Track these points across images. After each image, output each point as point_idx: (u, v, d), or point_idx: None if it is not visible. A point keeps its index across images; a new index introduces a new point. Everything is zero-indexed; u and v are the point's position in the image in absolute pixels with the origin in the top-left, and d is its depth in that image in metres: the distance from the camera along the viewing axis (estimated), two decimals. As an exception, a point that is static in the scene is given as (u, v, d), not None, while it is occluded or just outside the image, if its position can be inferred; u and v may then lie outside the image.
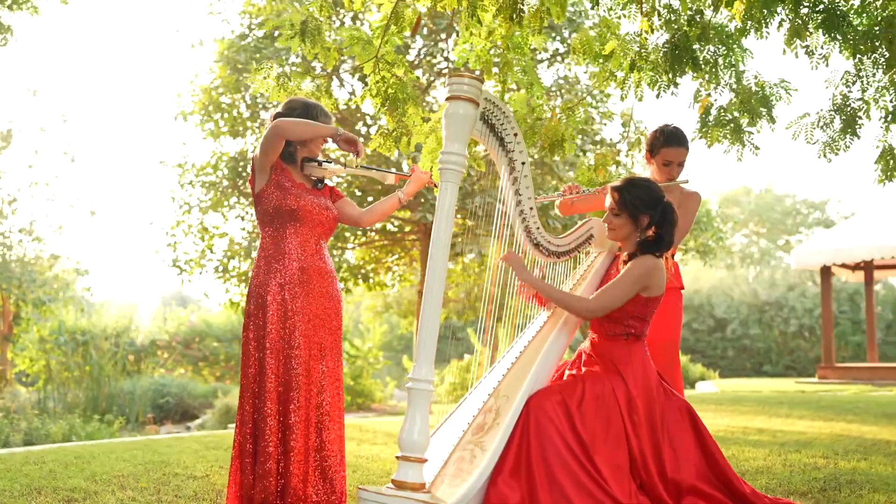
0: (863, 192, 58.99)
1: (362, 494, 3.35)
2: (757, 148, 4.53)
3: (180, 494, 4.44)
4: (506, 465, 3.37)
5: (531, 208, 3.77)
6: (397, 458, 3.39)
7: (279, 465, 3.59)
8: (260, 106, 11.38)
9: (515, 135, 3.73)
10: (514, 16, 3.98)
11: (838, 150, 4.60)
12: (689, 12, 4.08)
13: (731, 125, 4.31)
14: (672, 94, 4.28)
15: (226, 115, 11.26)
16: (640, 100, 4.56)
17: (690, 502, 3.48)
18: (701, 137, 4.45)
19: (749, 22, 4.40)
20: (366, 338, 21.73)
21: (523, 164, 3.74)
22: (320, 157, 3.94)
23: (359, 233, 12.09)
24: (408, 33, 5.19)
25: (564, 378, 3.74)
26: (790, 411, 10.53)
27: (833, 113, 4.58)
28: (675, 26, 4.12)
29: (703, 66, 4.13)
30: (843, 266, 21.25)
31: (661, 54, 4.15)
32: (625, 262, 3.72)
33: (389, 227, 12.67)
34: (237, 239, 12.07)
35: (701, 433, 3.65)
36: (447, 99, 3.55)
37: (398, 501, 3.25)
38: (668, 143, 4.24)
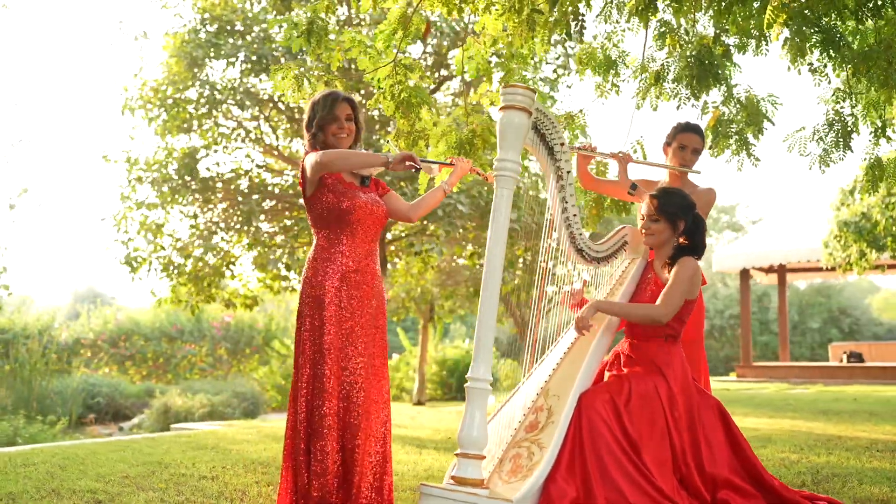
0: (768, 198, 61.32)
1: (425, 490, 3.45)
2: (758, 159, 4.79)
3: (207, 495, 4.44)
4: (562, 461, 3.52)
5: (574, 215, 3.94)
6: (457, 454, 3.51)
7: (338, 465, 3.64)
8: (216, 101, 11.25)
9: (562, 144, 3.89)
10: (574, 33, 4.14)
11: (830, 162, 4.90)
12: (716, 30, 4.31)
13: (737, 136, 4.56)
14: (693, 106, 4.52)
15: (179, 111, 11.08)
16: (655, 109, 4.79)
17: (725, 495, 3.70)
18: (710, 147, 4.69)
19: (749, 39, 4.68)
20: (296, 337, 21.67)
21: (568, 172, 3.90)
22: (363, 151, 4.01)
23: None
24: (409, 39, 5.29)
25: (605, 378, 3.92)
26: (732, 409, 11.00)
27: (826, 127, 4.86)
28: (703, 43, 4.34)
29: (722, 82, 4.38)
30: (760, 269, 22.20)
31: (684, 69, 4.36)
32: (665, 267, 3.92)
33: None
34: (184, 237, 11.89)
35: (731, 430, 3.88)
36: (501, 108, 3.69)
37: (462, 497, 3.36)
38: (684, 130, 4.54)
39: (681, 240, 3.94)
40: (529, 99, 3.68)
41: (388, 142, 5.15)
